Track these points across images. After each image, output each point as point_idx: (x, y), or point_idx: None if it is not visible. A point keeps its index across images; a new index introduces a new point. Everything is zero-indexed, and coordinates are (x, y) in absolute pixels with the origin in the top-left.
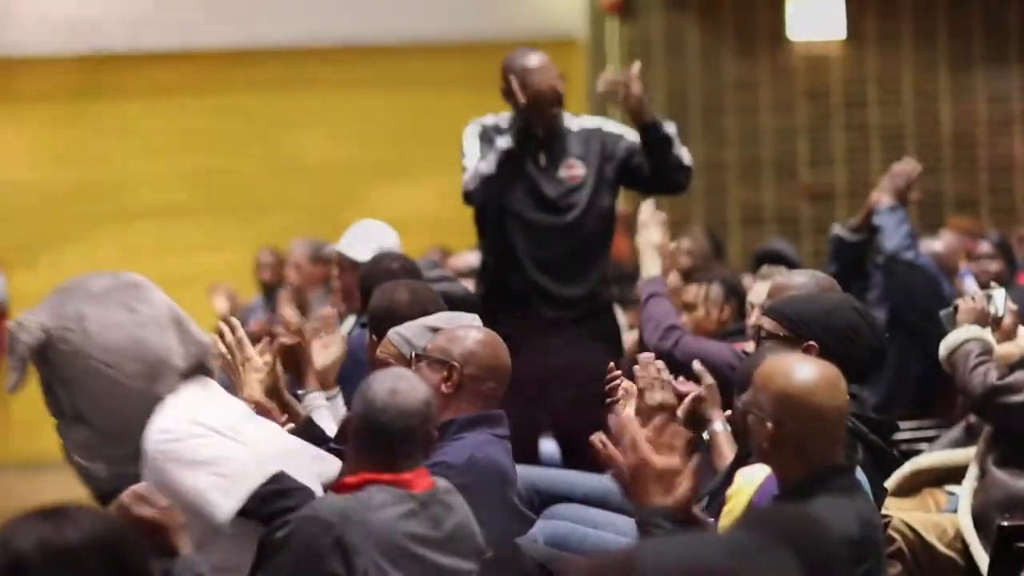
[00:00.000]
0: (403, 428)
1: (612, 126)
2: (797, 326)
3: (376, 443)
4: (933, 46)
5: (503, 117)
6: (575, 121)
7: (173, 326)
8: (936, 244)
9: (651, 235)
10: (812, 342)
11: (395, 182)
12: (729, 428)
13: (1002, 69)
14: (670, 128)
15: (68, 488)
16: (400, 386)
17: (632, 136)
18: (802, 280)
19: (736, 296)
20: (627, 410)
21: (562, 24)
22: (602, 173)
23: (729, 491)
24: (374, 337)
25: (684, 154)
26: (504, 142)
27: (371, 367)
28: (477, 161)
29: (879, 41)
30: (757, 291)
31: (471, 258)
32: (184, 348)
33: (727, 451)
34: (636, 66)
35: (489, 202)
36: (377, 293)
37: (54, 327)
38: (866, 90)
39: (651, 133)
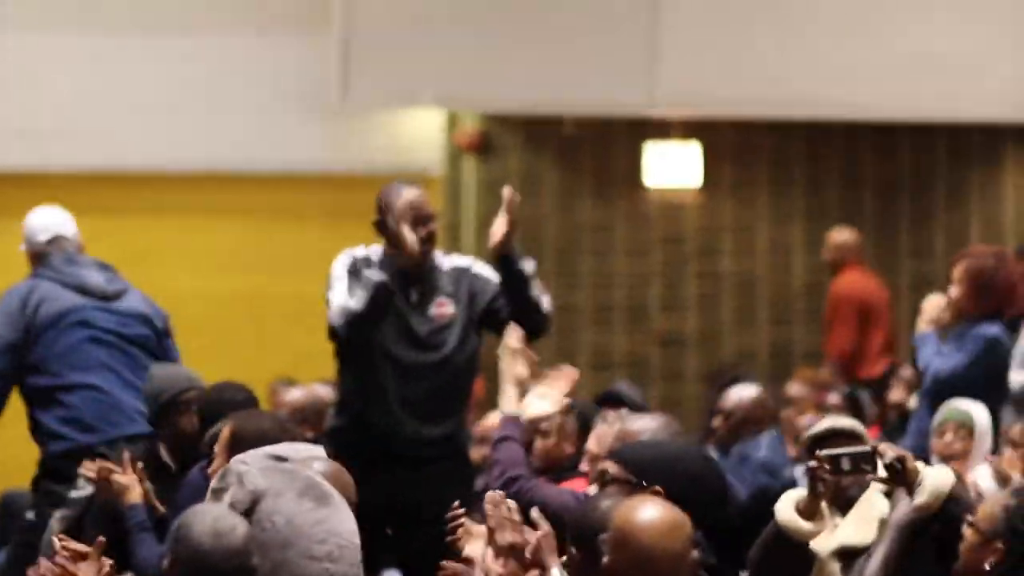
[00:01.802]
0: (233, 568)
1: (480, 267)
2: (642, 471)
3: None
4: (789, 196)
5: (374, 250)
6: (445, 259)
7: None
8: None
9: (518, 367)
10: (658, 487)
11: (251, 311)
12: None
13: (856, 222)
14: (528, 266)
15: None
16: (221, 526)
17: (498, 279)
18: (649, 424)
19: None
20: (470, 548)
21: (419, 160)
22: (471, 313)
23: None
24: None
25: (544, 300)
26: (375, 274)
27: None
28: (345, 298)
29: (735, 190)
30: (597, 435)
31: (297, 393)
32: None
33: None
34: (515, 196)
35: (358, 339)
36: (241, 420)
37: (264, 506)
38: (720, 238)
39: (507, 265)
